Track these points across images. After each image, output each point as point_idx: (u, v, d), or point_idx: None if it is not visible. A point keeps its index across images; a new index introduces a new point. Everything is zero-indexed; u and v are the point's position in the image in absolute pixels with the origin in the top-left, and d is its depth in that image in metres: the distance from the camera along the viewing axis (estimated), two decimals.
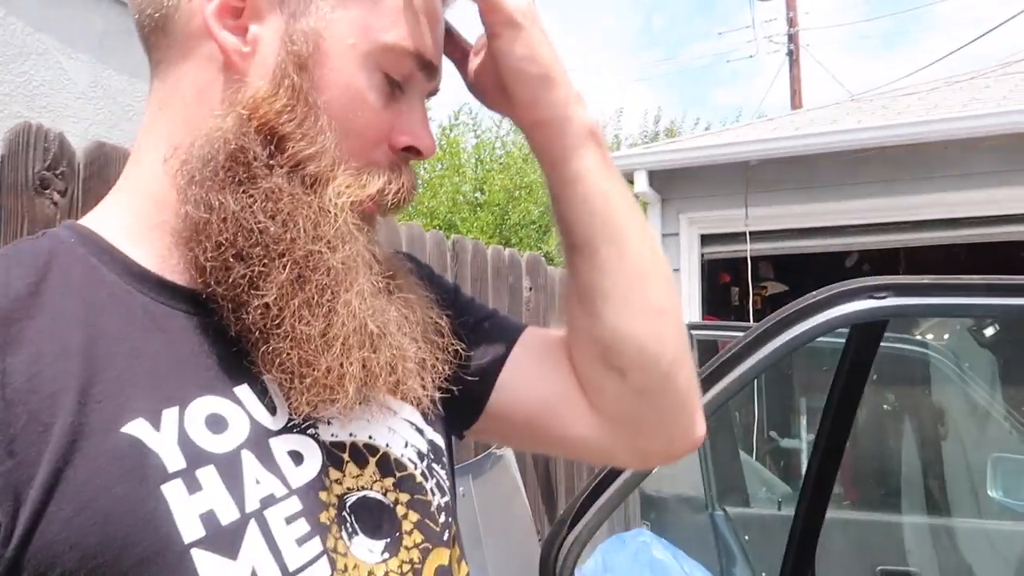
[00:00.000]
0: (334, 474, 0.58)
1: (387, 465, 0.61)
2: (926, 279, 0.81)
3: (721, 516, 2.51)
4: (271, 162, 0.55)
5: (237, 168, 0.55)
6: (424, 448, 0.64)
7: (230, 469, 0.52)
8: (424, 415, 0.65)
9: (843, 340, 1.35)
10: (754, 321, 5.08)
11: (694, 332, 1.90)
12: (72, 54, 3.50)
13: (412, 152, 0.62)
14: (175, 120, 0.58)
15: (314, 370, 0.54)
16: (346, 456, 0.59)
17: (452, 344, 0.65)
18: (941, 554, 2.25)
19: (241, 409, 0.55)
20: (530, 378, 0.71)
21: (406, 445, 0.63)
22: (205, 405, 0.53)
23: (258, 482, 0.53)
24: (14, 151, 1.65)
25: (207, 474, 0.50)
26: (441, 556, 0.62)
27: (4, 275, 0.51)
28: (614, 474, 0.86)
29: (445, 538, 0.63)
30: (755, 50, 14.09)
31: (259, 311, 0.54)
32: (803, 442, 4.88)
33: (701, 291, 4.93)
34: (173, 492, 0.49)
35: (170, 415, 0.51)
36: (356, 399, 0.56)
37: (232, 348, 0.56)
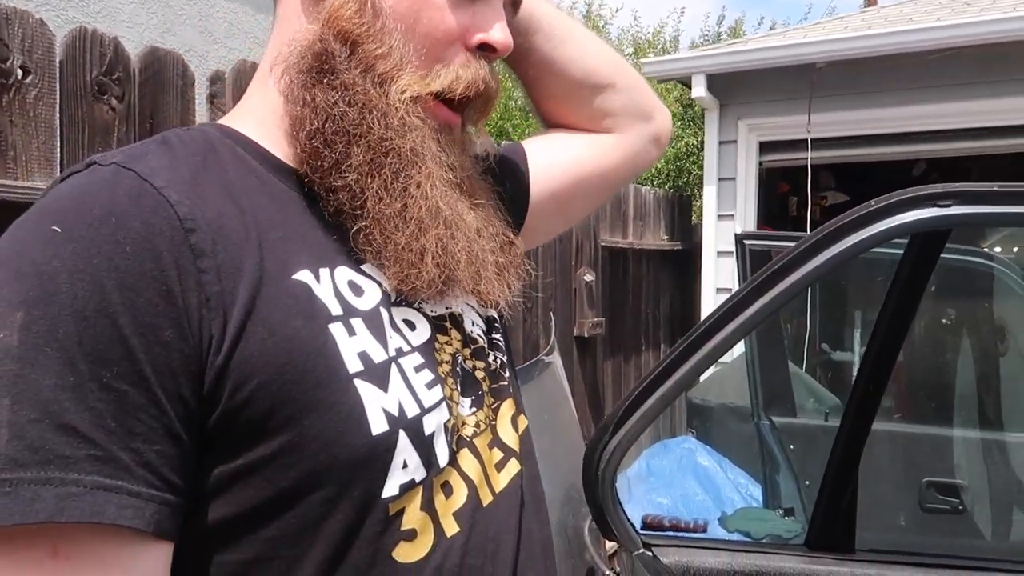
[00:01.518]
0: (441, 339, 0.68)
1: (467, 337, 0.71)
2: (994, 186, 0.77)
3: (767, 425, 2.53)
4: (348, 63, 0.63)
5: (322, 66, 0.63)
6: (483, 325, 0.75)
7: (373, 322, 0.61)
8: None
9: (902, 251, 1.31)
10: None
11: (747, 242, 1.86)
12: None
13: (488, 50, 0.66)
14: (282, 38, 0.67)
15: (396, 246, 0.62)
16: (448, 325, 0.69)
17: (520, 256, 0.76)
18: (991, 468, 2.24)
19: (369, 280, 0.64)
20: (552, 154, 0.89)
21: (472, 324, 0.73)
22: (345, 272, 0.62)
23: (391, 336, 0.62)
24: (71, 56, 1.67)
25: (358, 323, 0.60)
26: (506, 411, 0.74)
27: (178, 150, 0.60)
28: (660, 379, 0.87)
29: (506, 395, 0.75)
30: None
31: (347, 194, 0.62)
32: (855, 355, 4.82)
33: (758, 201, 4.80)
34: (337, 331, 0.58)
35: (325, 273, 0.60)
36: (438, 275, 0.63)
37: (341, 232, 0.64)
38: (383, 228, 0.62)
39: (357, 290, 0.62)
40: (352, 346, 0.58)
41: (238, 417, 0.53)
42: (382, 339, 0.61)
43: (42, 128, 1.61)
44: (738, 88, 4.64)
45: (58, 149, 1.64)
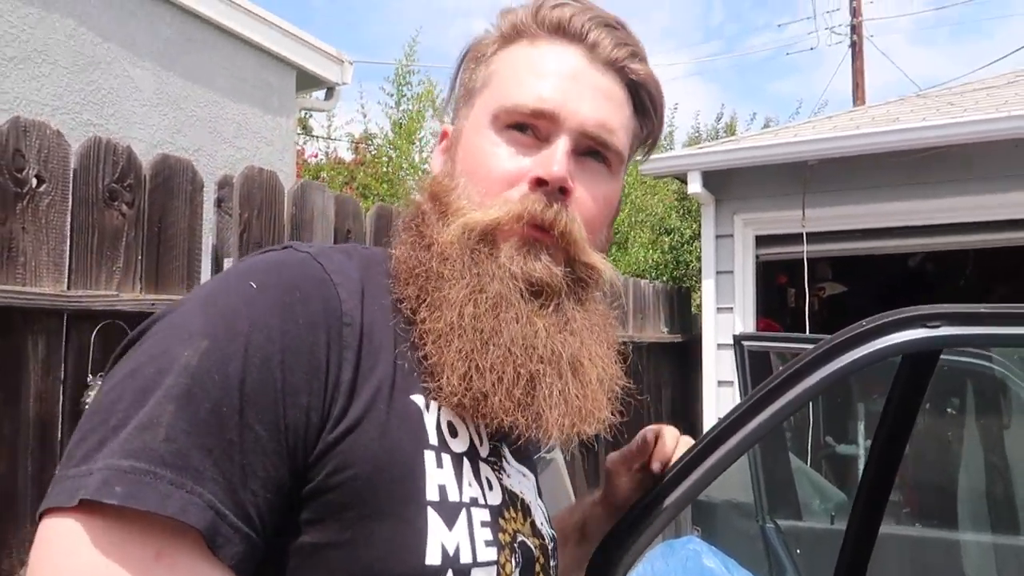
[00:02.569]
0: (509, 512, 0.71)
1: (536, 528, 0.75)
2: (983, 308, 0.79)
3: (772, 529, 2.47)
4: (433, 216, 0.73)
5: (410, 222, 0.75)
6: (549, 533, 0.78)
7: (458, 464, 0.66)
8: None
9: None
10: (810, 324, 4.96)
11: (745, 343, 1.88)
12: (138, 62, 3.63)
13: (541, 183, 0.70)
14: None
15: (433, 356, 0.67)
16: (518, 504, 0.73)
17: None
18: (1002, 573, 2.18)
19: (465, 427, 0.69)
20: None
21: (544, 521, 0.78)
22: (447, 412, 0.67)
23: (470, 485, 0.66)
24: (85, 165, 1.73)
25: (447, 460, 0.65)
26: None
27: (355, 261, 0.71)
28: (658, 500, 0.86)
29: None
30: (816, 42, 13.76)
31: (423, 326, 0.68)
32: (860, 448, 4.75)
33: (756, 293, 4.84)
34: (429, 459, 0.63)
35: (433, 405, 0.66)
36: (464, 389, 0.66)
37: None
38: (425, 343, 0.67)
39: (453, 431, 0.67)
40: (436, 477, 0.63)
41: (325, 496, 0.59)
42: (461, 482, 0.65)
43: (53, 234, 1.65)
44: (733, 184, 4.76)
45: (67, 255, 1.67)
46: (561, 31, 0.74)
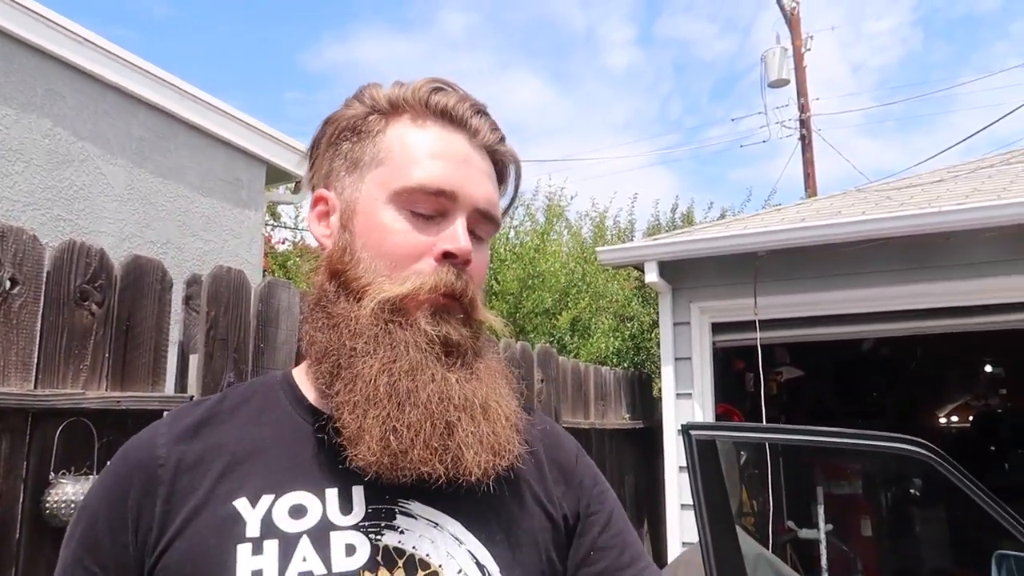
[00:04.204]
0: (380, 572, 0.72)
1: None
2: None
3: None
4: (336, 295, 0.79)
5: (319, 303, 0.81)
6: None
7: (287, 545, 0.71)
8: (494, 553, 0.76)
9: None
10: (769, 408, 5.07)
11: (692, 432, 1.96)
12: (111, 160, 3.74)
13: (450, 256, 0.78)
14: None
15: (350, 425, 0.73)
16: (400, 563, 0.73)
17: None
18: None
19: (320, 504, 0.74)
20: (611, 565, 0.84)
21: (459, 572, 0.74)
22: (295, 497, 0.74)
23: (304, 559, 0.71)
24: (58, 266, 1.80)
25: (270, 544, 0.71)
26: None
27: (221, 396, 0.83)
28: None
29: None
30: (768, 135, 14.43)
31: (331, 403, 0.76)
32: (821, 532, 4.80)
33: (714, 378, 4.96)
34: (243, 550, 0.70)
35: (266, 499, 0.74)
36: (380, 451, 0.72)
37: (340, 453, 0.74)
38: (342, 416, 0.74)
39: (298, 513, 0.73)
40: (251, 564, 0.70)
41: None
42: (285, 561, 0.70)
43: (23, 335, 1.70)
44: (688, 273, 4.94)
45: (36, 354, 1.72)
46: (446, 116, 0.82)
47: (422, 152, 0.80)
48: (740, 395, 6.02)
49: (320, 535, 0.72)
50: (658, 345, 5.39)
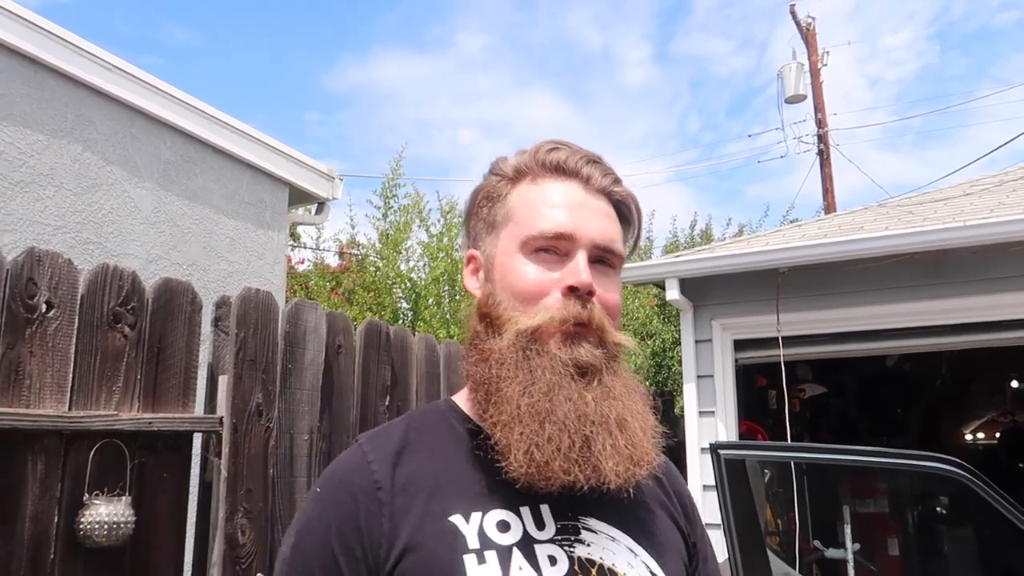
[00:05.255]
0: None
1: None
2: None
3: None
4: (485, 333, 0.92)
5: (471, 343, 0.94)
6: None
7: (503, 556, 0.81)
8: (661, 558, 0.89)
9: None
10: (793, 425, 5.02)
11: (721, 452, 1.95)
12: (138, 183, 3.80)
13: (574, 290, 0.88)
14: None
15: (502, 442, 0.84)
16: (593, 572, 0.84)
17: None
18: None
19: (519, 520, 0.85)
20: None
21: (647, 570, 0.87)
22: (498, 514, 0.85)
23: (520, 568, 0.81)
24: (92, 290, 1.83)
25: (490, 555, 0.81)
26: None
27: (402, 428, 0.93)
28: None
29: None
30: (786, 150, 14.39)
31: (492, 431, 0.86)
32: (848, 552, 4.72)
33: (737, 396, 4.92)
34: (469, 560, 0.80)
35: (476, 516, 0.84)
36: (527, 465, 0.82)
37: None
38: (495, 435, 0.85)
39: (504, 527, 0.84)
40: (478, 572, 0.79)
41: None
42: (506, 570, 0.80)
43: (58, 358, 1.73)
44: (709, 290, 4.93)
45: (70, 377, 1.75)
46: (560, 170, 0.94)
47: (542, 204, 0.92)
48: (762, 412, 5.97)
49: (527, 547, 0.82)
50: (680, 363, 5.36)
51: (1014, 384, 9.21)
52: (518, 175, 0.96)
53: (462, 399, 0.97)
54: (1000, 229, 4.04)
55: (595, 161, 0.96)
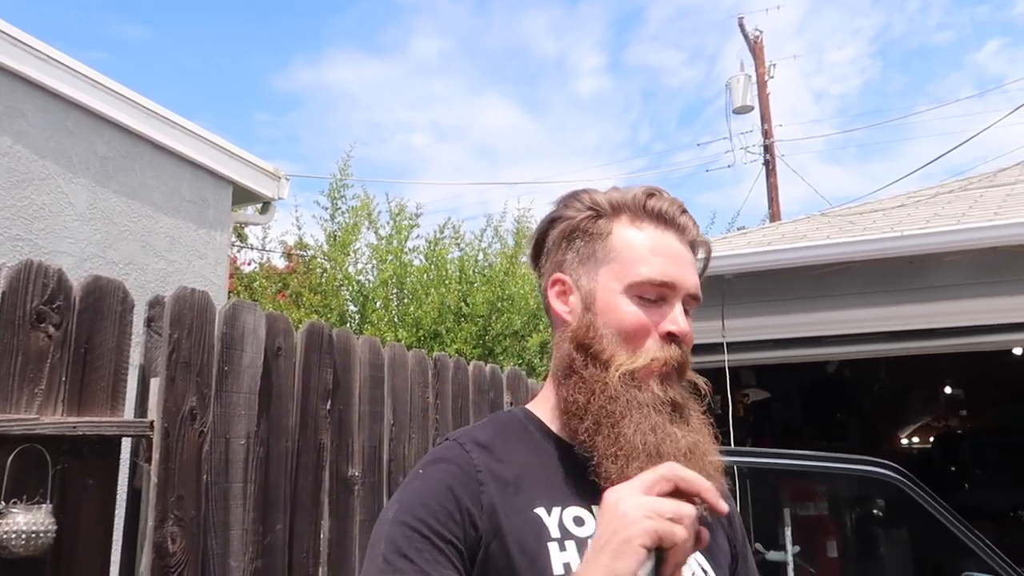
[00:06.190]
0: None
1: None
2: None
3: None
4: (584, 362, 0.98)
5: (569, 368, 1.00)
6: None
7: (582, 546, 0.90)
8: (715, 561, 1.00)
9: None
10: (737, 429, 5.10)
11: None
12: (73, 178, 3.66)
13: (672, 336, 0.97)
14: (557, 354, 1.05)
15: (612, 473, 0.90)
16: None
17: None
18: None
19: (592, 516, 0.94)
20: None
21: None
22: (574, 510, 0.95)
23: None
24: (14, 288, 1.74)
25: (570, 544, 0.91)
26: None
27: (491, 430, 1.03)
28: None
29: None
30: (733, 160, 14.67)
31: (588, 447, 0.95)
32: (788, 555, 4.81)
33: None
34: (552, 547, 0.91)
35: (556, 510, 0.94)
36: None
37: (591, 478, 0.93)
38: (606, 463, 0.92)
39: (579, 522, 0.94)
40: (560, 557, 0.89)
41: (487, 568, 0.89)
42: (584, 556, 0.84)
43: None
44: None
45: None
46: (661, 218, 1.02)
47: (645, 250, 0.99)
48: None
49: None
50: None
51: (948, 390, 9.54)
52: (615, 212, 1.03)
53: (539, 409, 1.06)
54: (936, 239, 4.18)
55: (686, 212, 1.05)
